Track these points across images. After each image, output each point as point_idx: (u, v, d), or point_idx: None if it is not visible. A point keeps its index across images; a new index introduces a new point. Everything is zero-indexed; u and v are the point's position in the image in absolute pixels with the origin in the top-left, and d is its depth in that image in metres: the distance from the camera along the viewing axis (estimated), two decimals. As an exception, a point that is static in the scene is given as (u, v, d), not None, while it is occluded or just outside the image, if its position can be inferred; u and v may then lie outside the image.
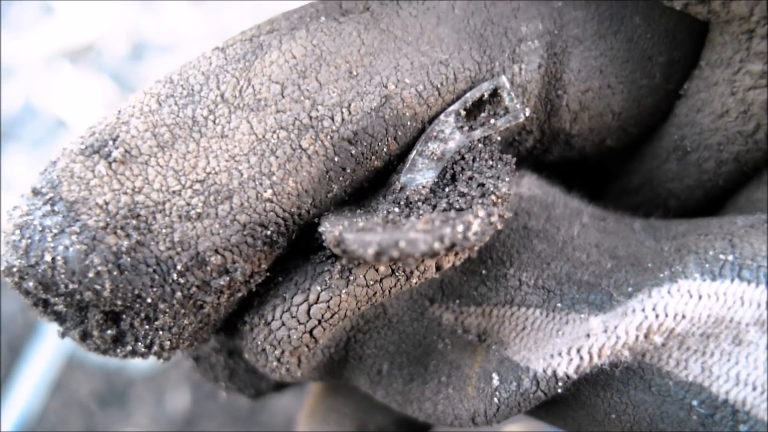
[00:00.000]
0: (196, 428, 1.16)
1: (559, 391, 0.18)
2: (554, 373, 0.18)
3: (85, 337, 0.19)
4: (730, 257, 0.16)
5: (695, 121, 0.19)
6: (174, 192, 0.17)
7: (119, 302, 0.18)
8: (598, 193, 0.24)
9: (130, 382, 1.19)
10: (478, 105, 0.18)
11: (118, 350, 0.19)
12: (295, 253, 0.19)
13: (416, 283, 0.17)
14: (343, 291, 0.17)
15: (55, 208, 0.18)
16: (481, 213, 0.16)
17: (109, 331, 0.18)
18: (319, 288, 0.18)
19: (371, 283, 0.17)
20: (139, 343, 0.19)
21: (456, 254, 0.17)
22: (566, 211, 0.20)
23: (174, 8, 1.61)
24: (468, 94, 0.18)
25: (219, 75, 0.18)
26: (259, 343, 0.20)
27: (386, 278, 0.17)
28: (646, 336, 0.17)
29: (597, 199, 0.23)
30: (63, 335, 0.19)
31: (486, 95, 0.18)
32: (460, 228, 0.16)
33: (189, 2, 1.61)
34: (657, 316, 0.16)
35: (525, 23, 0.19)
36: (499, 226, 0.17)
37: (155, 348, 0.19)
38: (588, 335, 0.17)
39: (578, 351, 0.17)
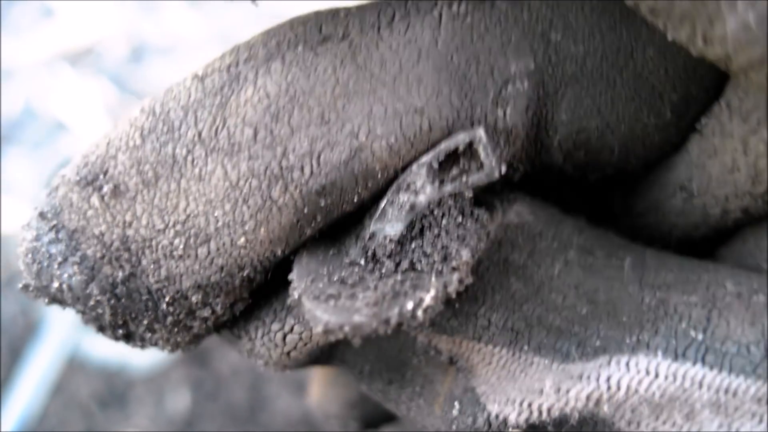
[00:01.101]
0: (196, 429, 1.16)
1: None
2: (505, 419, 0.18)
3: (101, 330, 0.20)
4: (700, 336, 0.16)
5: (705, 166, 0.18)
6: (159, 230, 0.18)
7: (120, 322, 0.19)
8: (605, 207, 0.23)
9: (130, 383, 1.19)
10: (453, 157, 0.18)
11: (130, 345, 0.21)
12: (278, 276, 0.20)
13: (392, 330, 0.17)
14: (318, 331, 0.18)
15: (59, 236, 0.19)
16: (435, 287, 0.16)
17: (120, 331, 0.20)
18: (292, 321, 0.19)
19: None
20: (146, 344, 0.21)
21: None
22: (553, 244, 0.19)
23: (174, 11, 1.61)
24: (442, 145, 0.17)
25: (197, 111, 0.18)
26: (246, 350, 0.21)
27: None
28: (596, 404, 0.17)
29: (602, 214, 0.23)
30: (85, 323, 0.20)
31: (461, 147, 0.17)
32: (409, 307, 0.16)
33: (189, 5, 1.62)
34: (609, 388, 0.17)
35: (515, 61, 0.18)
36: (461, 290, 0.17)
37: (159, 348, 0.21)
38: (541, 391, 0.17)
39: (529, 405, 0.18)
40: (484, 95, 0.18)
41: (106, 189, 0.18)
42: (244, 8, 1.55)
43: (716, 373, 0.16)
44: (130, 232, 0.18)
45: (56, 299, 0.20)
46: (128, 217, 0.18)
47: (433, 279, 0.16)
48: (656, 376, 0.16)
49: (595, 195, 0.23)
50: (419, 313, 0.16)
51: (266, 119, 0.17)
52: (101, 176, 0.18)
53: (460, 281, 0.17)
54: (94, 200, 0.18)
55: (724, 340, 0.16)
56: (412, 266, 0.17)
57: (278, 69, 0.17)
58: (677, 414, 0.16)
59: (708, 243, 0.20)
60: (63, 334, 1.10)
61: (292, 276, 0.18)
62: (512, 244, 0.19)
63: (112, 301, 0.19)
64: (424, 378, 0.20)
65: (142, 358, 1.15)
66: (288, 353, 0.20)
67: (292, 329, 0.19)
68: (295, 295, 0.17)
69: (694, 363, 0.16)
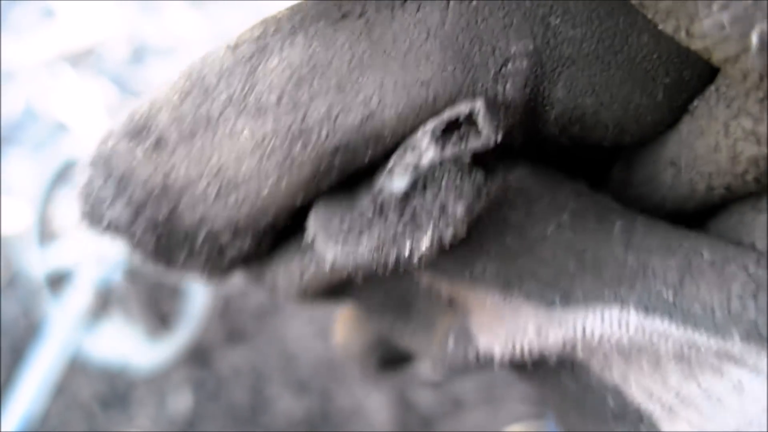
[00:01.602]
0: (197, 430, 1.16)
1: (495, 367, 0.21)
2: (491, 354, 0.20)
3: (146, 260, 0.23)
4: (671, 296, 0.18)
5: (693, 146, 0.20)
6: (194, 179, 0.20)
7: (161, 254, 0.22)
8: (604, 178, 0.24)
9: (131, 384, 1.19)
10: (454, 125, 0.19)
11: (173, 271, 0.23)
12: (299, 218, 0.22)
13: (391, 268, 0.19)
14: (327, 266, 0.20)
15: (109, 181, 0.21)
16: (430, 236, 0.18)
17: (162, 262, 0.22)
18: (309, 259, 0.21)
19: None
20: (185, 273, 0.23)
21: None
22: (549, 207, 0.21)
23: (174, 12, 1.61)
24: (445, 114, 0.19)
25: (229, 77, 0.20)
26: (269, 281, 0.23)
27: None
28: (571, 348, 0.19)
29: (601, 184, 0.24)
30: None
31: (462, 116, 0.19)
32: (405, 251, 0.18)
33: (189, 5, 1.62)
34: (584, 336, 0.18)
35: (515, 42, 0.19)
36: (455, 241, 0.19)
37: (198, 278, 0.23)
38: (524, 331, 0.19)
39: (513, 343, 0.19)
40: (486, 72, 0.19)
41: (149, 142, 0.20)
42: (244, 9, 1.55)
43: (682, 330, 0.17)
44: (170, 179, 0.20)
45: (107, 231, 0.22)
46: (168, 167, 0.20)
47: (430, 230, 0.18)
48: (627, 328, 0.18)
49: (595, 167, 0.24)
50: (415, 256, 0.18)
51: (289, 86, 0.19)
52: (145, 131, 0.20)
53: (454, 234, 0.19)
54: (139, 151, 0.20)
55: (692, 301, 0.18)
56: (413, 218, 0.19)
57: (301, 42, 0.19)
58: (645, 362, 0.18)
59: (699, 216, 0.22)
60: (64, 335, 1.10)
61: (309, 221, 0.20)
62: (511, 205, 0.21)
63: (155, 237, 0.21)
64: (426, 317, 0.23)
65: (144, 359, 1.15)
66: (305, 288, 0.22)
67: (309, 267, 0.22)
68: (311, 235, 0.20)
69: (662, 319, 0.18)
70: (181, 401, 1.18)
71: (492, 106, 0.20)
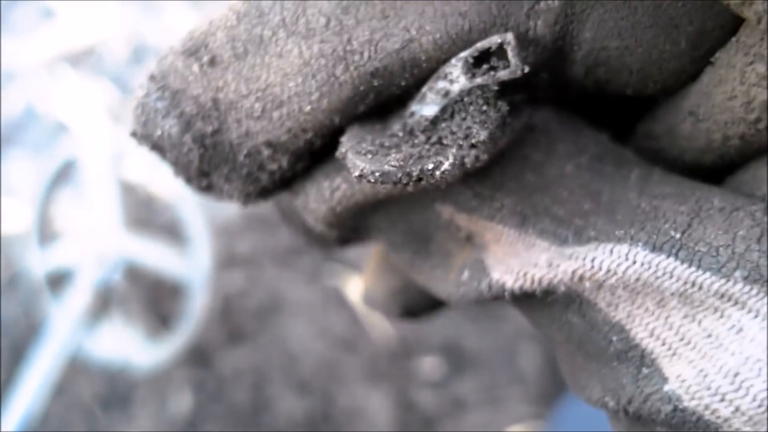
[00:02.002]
0: (198, 430, 1.16)
1: (506, 298, 0.22)
2: (503, 285, 0.21)
3: (188, 181, 0.24)
4: (678, 236, 0.18)
5: (711, 94, 0.21)
6: (243, 95, 0.22)
7: (205, 169, 0.23)
8: (628, 130, 0.25)
9: (132, 384, 1.19)
10: (486, 55, 0.20)
11: (210, 194, 0.25)
12: (330, 147, 0.24)
13: (413, 189, 0.20)
14: (356, 185, 0.22)
15: (164, 95, 0.23)
16: (453, 156, 0.19)
17: (203, 181, 0.24)
18: (339, 179, 0.22)
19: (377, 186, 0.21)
20: (223, 194, 0.24)
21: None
22: (570, 148, 0.22)
23: (174, 11, 1.61)
24: (478, 44, 0.20)
25: (283, 2, 0.21)
26: (301, 205, 0.25)
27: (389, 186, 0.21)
28: (579, 280, 0.19)
29: (625, 135, 0.25)
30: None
31: (493, 47, 0.20)
32: (429, 166, 0.19)
33: (189, 5, 1.62)
34: (592, 267, 0.19)
35: None
36: (477, 165, 0.20)
37: (234, 199, 0.25)
38: (536, 264, 0.20)
39: (525, 274, 0.20)
40: (519, 8, 0.21)
41: (205, 59, 0.22)
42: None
43: (686, 267, 0.18)
44: (220, 95, 0.22)
45: (156, 146, 0.23)
46: (220, 83, 0.22)
47: (454, 150, 0.20)
48: (633, 262, 0.19)
49: (619, 121, 0.25)
50: (437, 173, 0.19)
51: (338, 11, 0.21)
52: (202, 48, 0.22)
53: (477, 157, 0.20)
54: (195, 68, 0.22)
55: (698, 241, 0.18)
56: (440, 141, 0.20)
57: None
58: (649, 301, 0.19)
59: (716, 175, 0.22)
60: (65, 335, 1.10)
61: (342, 138, 0.22)
62: (534, 144, 0.22)
63: (201, 150, 0.22)
64: (445, 251, 0.24)
65: (144, 359, 1.15)
66: (334, 208, 0.23)
67: (339, 186, 0.23)
68: (342, 150, 0.21)
69: (668, 256, 0.18)
70: (181, 401, 1.18)
71: (522, 39, 0.21)
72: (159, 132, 0.23)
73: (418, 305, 0.32)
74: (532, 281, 0.20)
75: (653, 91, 0.23)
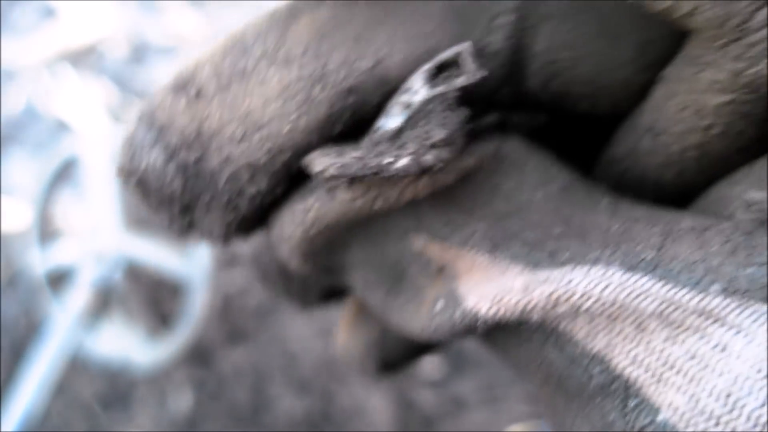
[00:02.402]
0: (198, 429, 1.16)
1: (479, 329, 0.21)
2: (477, 312, 0.21)
3: (171, 221, 0.25)
4: (652, 255, 0.18)
5: (665, 108, 0.21)
6: (226, 122, 0.23)
7: (187, 202, 0.24)
8: (594, 159, 0.26)
9: (132, 383, 1.19)
10: (446, 66, 0.22)
11: (192, 233, 0.25)
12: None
13: (380, 207, 0.21)
14: (327, 203, 0.22)
15: (152, 129, 0.23)
16: (412, 153, 0.20)
17: (186, 219, 0.24)
18: (312, 199, 0.23)
19: (347, 201, 0.22)
20: (204, 230, 0.25)
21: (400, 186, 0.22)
22: (540, 177, 0.22)
23: (175, 11, 1.61)
24: (438, 57, 0.21)
25: (266, 35, 0.23)
26: (276, 236, 0.25)
27: (358, 199, 0.22)
28: (554, 306, 0.19)
29: (591, 165, 0.26)
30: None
31: (452, 58, 0.21)
32: (387, 161, 0.20)
33: (190, 5, 1.62)
34: (567, 291, 0.19)
35: (504, 0, 0.22)
36: (433, 164, 0.21)
37: (215, 233, 0.25)
38: (510, 289, 0.20)
39: (499, 300, 0.20)
40: (478, 26, 0.22)
41: (192, 92, 0.23)
42: (244, 8, 1.55)
43: (662, 285, 0.18)
44: (205, 125, 0.23)
45: (140, 181, 0.24)
46: (205, 114, 0.23)
47: (413, 147, 0.21)
48: (609, 283, 0.18)
49: (586, 149, 0.26)
50: (394, 167, 0.20)
51: (315, 39, 0.22)
52: (189, 83, 0.23)
53: (436, 156, 0.20)
54: (182, 102, 0.23)
55: (672, 259, 0.18)
56: (402, 146, 0.21)
57: (328, 5, 0.23)
58: (628, 326, 0.18)
59: (682, 198, 0.23)
60: (65, 334, 1.10)
61: (312, 153, 0.23)
62: (504, 173, 0.23)
63: (183, 180, 0.23)
64: (416, 287, 0.24)
65: (145, 358, 1.15)
66: (308, 231, 0.24)
67: (312, 206, 0.23)
68: (310, 157, 0.22)
69: (644, 275, 0.18)
70: (181, 401, 1.18)
71: (481, 54, 0.22)
72: (144, 164, 0.24)
73: (396, 356, 0.32)
74: (506, 308, 0.20)
75: (606, 105, 0.23)
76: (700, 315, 0.18)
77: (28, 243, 1.22)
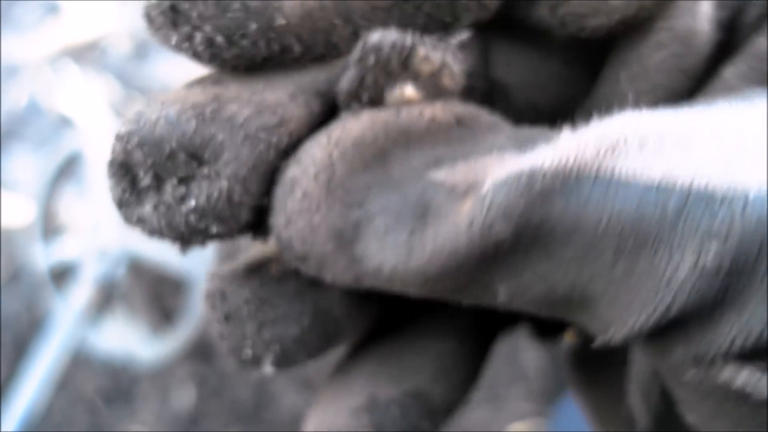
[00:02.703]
0: (201, 426, 1.16)
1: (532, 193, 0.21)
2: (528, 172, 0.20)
3: (158, 204, 0.23)
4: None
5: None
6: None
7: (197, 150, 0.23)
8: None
9: (135, 379, 1.19)
10: None
11: (183, 207, 0.23)
12: None
13: (403, 124, 0.22)
14: (352, 121, 0.23)
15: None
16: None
17: (180, 190, 0.23)
18: (336, 125, 0.23)
19: (370, 118, 0.23)
20: (194, 201, 0.23)
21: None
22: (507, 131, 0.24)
23: (178, 7, 1.61)
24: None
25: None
26: (293, 173, 0.23)
27: (381, 114, 0.22)
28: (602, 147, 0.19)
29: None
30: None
31: None
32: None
33: (193, 1, 1.62)
34: (603, 134, 0.19)
35: None
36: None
37: (204, 208, 0.23)
38: (559, 149, 0.19)
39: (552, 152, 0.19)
40: None
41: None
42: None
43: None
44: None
45: (146, 139, 0.23)
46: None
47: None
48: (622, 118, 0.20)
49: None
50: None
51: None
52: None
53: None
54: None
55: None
56: None
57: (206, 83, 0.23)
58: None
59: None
60: (68, 330, 1.10)
61: None
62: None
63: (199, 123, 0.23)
64: (445, 213, 0.24)
65: (147, 354, 1.15)
66: (330, 154, 0.23)
67: (334, 129, 0.24)
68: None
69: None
70: (184, 397, 1.18)
71: None
72: (154, 117, 0.23)
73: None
74: (561, 158, 0.19)
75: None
76: None
77: (31, 239, 1.22)
